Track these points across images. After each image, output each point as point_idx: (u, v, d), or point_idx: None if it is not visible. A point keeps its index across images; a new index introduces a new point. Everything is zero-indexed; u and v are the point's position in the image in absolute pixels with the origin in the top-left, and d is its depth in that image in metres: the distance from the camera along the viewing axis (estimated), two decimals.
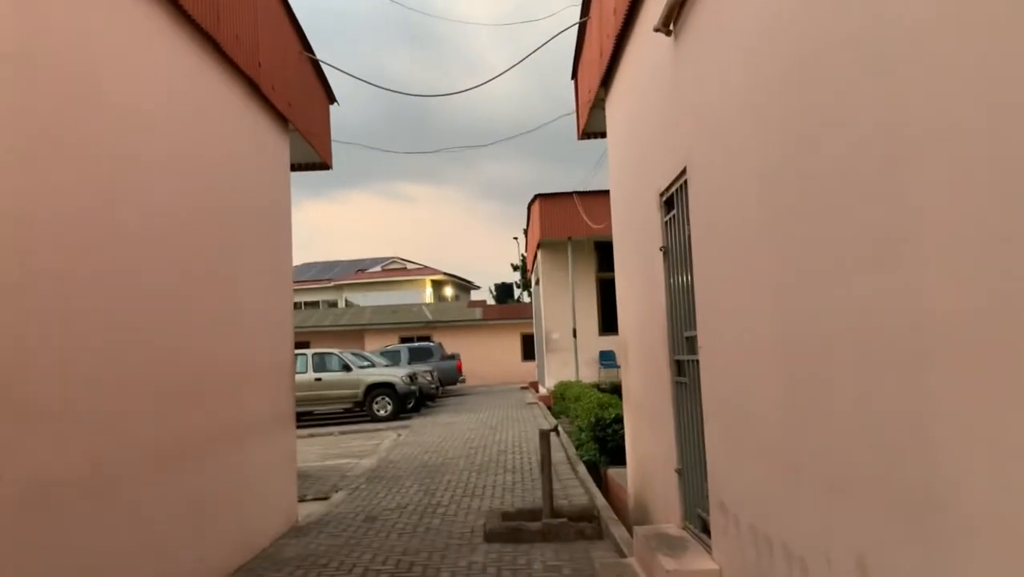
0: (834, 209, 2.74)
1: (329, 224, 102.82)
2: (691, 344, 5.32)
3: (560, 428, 11.85)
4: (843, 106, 2.65)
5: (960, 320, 1.98)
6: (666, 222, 5.81)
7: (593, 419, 10.58)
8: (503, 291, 56.74)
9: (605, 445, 10.29)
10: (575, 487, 9.16)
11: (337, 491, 9.97)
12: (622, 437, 10.03)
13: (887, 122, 2.35)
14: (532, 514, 7.40)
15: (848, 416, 2.65)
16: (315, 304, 53.80)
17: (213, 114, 6.38)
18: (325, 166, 9.93)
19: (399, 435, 16.09)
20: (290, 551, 6.82)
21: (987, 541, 1.91)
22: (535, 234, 23.69)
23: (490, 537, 6.91)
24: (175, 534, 5.23)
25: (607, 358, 22.81)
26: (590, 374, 21.83)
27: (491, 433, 15.09)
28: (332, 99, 10.13)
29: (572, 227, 21.50)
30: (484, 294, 59.56)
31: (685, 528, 5.61)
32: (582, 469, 9.97)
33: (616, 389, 18.81)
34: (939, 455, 2.09)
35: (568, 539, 6.83)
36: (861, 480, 2.57)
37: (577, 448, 11.46)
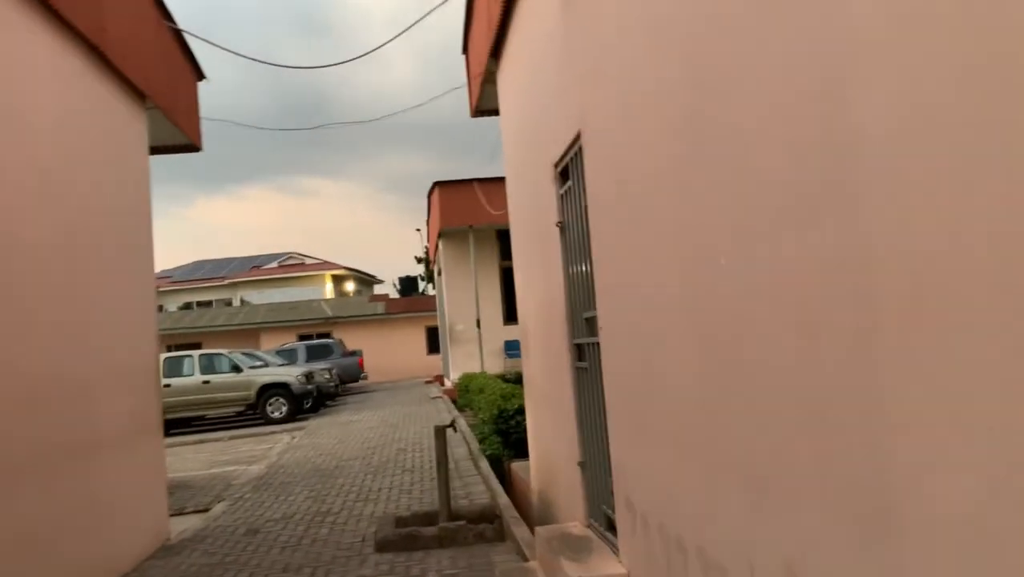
0: (752, 155, 2.29)
1: (227, 220, 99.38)
2: (591, 325, 4.88)
3: (460, 422, 11.33)
4: (760, 31, 2.20)
5: (917, 279, 1.54)
6: (562, 195, 5.35)
7: (496, 411, 10.11)
8: (407, 284, 55.70)
9: (508, 438, 9.84)
10: (477, 484, 8.66)
11: (220, 501, 9.15)
12: (526, 429, 9.60)
13: (820, 43, 1.90)
14: (428, 518, 6.86)
15: (776, 400, 2.21)
16: (208, 303, 51.64)
17: (43, 84, 5.53)
18: (193, 148, 9.06)
19: (293, 437, 15.22)
20: (155, 574, 6.05)
21: (951, 547, 1.48)
22: (436, 224, 23.06)
23: (382, 546, 6.32)
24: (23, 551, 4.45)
25: (512, 348, 22.42)
26: (495, 365, 21.42)
27: (391, 431, 14.44)
28: (200, 75, 9.25)
29: (473, 215, 20.97)
30: (388, 288, 58.46)
31: (590, 526, 5.18)
32: (485, 465, 9.48)
33: (521, 379, 18.44)
34: (891, 444, 1.65)
35: (467, 543, 6.31)
36: (792, 475, 2.13)
37: (480, 442, 10.96)
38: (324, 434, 15.07)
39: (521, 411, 9.81)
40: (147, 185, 7.56)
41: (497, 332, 22.14)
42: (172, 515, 8.96)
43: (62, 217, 5.59)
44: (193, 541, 7.14)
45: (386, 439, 13.28)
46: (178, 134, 8.65)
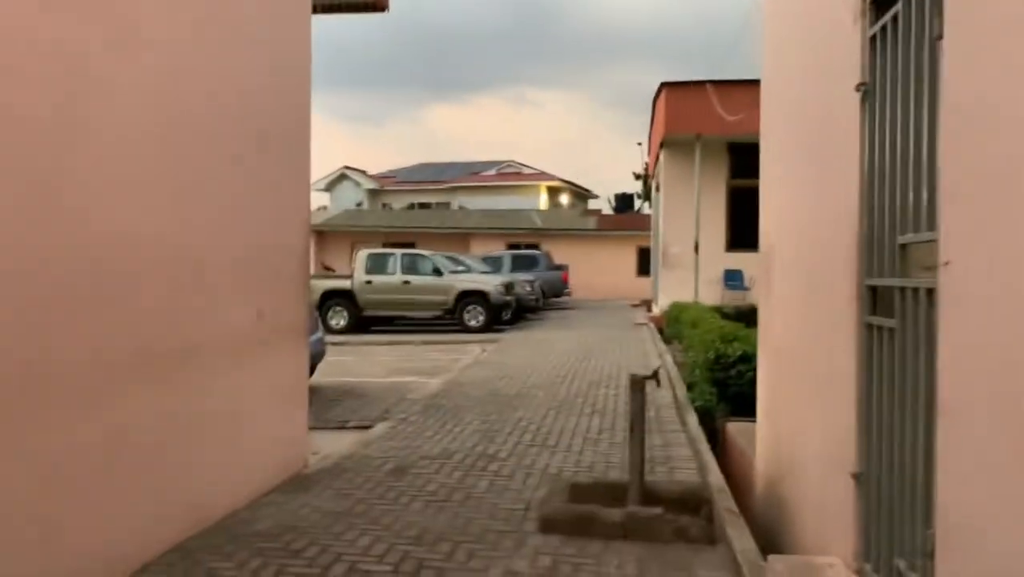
0: None
1: (455, 128, 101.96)
2: (908, 257, 2.85)
3: (664, 371, 9.46)
4: None
5: None
6: (873, 37, 3.23)
7: (712, 354, 8.17)
8: (623, 201, 53.37)
9: (725, 390, 7.91)
10: (681, 446, 6.85)
11: (383, 421, 8.07)
12: (750, 382, 7.62)
13: None
14: (614, 492, 5.18)
15: None
16: (428, 206, 52.64)
17: None
18: (377, 7, 7.63)
19: (484, 350, 14.13)
20: (265, 520, 4.88)
21: None
22: (659, 131, 20.77)
23: (547, 525, 4.75)
24: (63, 497, 3.36)
25: (733, 279, 20.01)
26: (711, 295, 19.19)
27: (587, 358, 12.88)
28: None
29: (703, 123, 18.51)
30: (603, 205, 56.60)
31: (860, 573, 3.25)
32: (693, 421, 7.63)
33: (743, 316, 15.98)
34: None
35: (662, 539, 4.58)
36: None
37: (689, 389, 9.10)
38: (515, 352, 13.83)
39: (745, 359, 7.82)
40: (307, 45, 6.20)
41: (717, 259, 19.81)
42: (333, 428, 8.04)
43: (171, 58, 4.28)
44: (332, 473, 5.98)
45: (580, 367, 11.74)
46: None
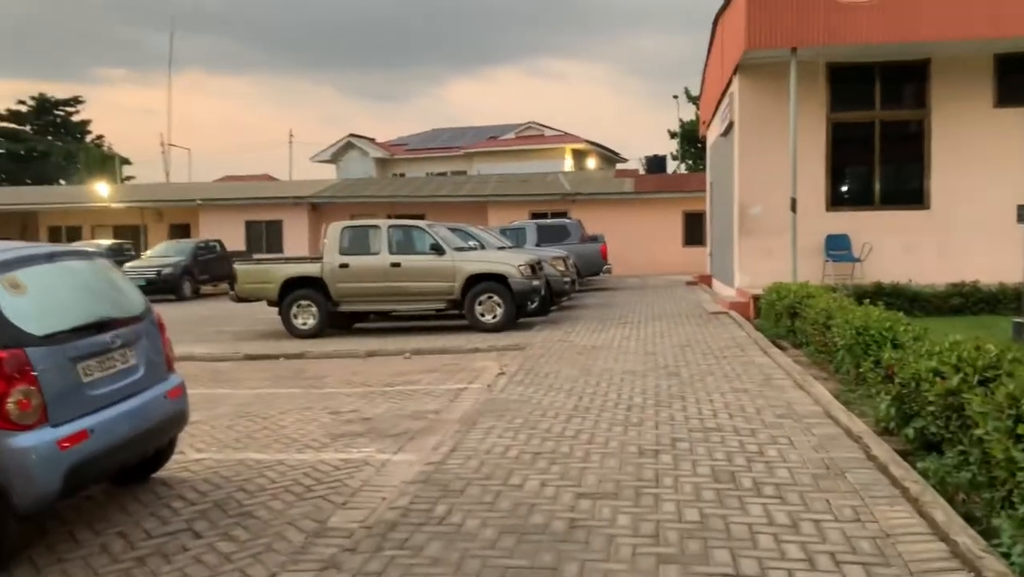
0: None
1: (474, 102, 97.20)
2: None
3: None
4: None
5: None
6: None
7: (1009, 421, 3.00)
8: (655, 164, 47.71)
9: None
10: None
11: None
12: None
13: None
14: None
15: None
16: (443, 174, 47.63)
17: None
18: None
19: (501, 371, 9.07)
20: None
21: None
22: (731, 53, 15.44)
23: None
24: None
25: (838, 247, 14.76)
26: (809, 270, 14.00)
27: (674, 393, 7.75)
28: None
29: (801, 30, 13.21)
30: (633, 168, 51.11)
31: None
32: None
33: (861, 299, 10.97)
34: None
35: None
36: None
37: (924, 475, 4.01)
38: (550, 375, 8.75)
39: None
40: None
41: (815, 221, 14.61)
42: None
43: None
44: None
45: (670, 419, 6.62)
46: None
